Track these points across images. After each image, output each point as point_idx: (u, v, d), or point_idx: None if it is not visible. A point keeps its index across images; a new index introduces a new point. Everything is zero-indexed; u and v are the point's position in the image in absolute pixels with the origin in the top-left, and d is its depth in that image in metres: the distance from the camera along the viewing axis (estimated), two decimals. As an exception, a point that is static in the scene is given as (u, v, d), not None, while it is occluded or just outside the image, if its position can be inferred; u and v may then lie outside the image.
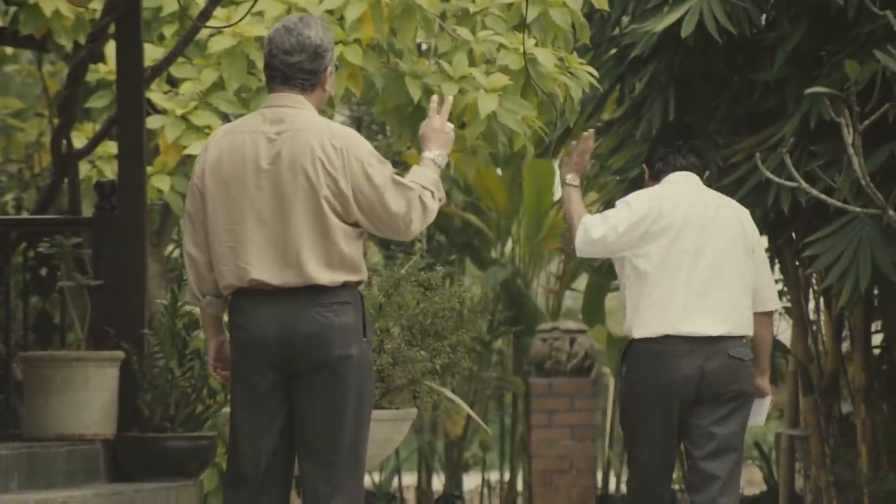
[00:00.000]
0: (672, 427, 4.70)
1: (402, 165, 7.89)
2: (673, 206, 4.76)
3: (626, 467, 10.41)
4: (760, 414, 4.94)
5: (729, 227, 4.79)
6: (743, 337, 4.78)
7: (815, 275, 6.88)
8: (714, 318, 4.69)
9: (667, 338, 4.68)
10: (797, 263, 6.96)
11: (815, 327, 7.33)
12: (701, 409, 4.69)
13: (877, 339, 7.05)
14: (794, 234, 6.54)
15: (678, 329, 4.67)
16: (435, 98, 3.94)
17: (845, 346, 7.20)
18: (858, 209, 5.56)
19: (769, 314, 4.89)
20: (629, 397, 4.74)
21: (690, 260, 4.72)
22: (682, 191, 4.84)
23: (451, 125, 3.90)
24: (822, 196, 5.27)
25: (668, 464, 4.77)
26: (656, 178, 4.90)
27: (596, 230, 4.75)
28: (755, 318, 4.83)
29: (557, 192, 10.19)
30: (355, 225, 3.74)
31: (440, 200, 3.80)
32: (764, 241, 7.40)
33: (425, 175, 3.80)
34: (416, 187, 3.75)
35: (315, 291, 3.68)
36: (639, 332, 4.71)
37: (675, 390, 4.66)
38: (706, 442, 4.71)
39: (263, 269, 3.68)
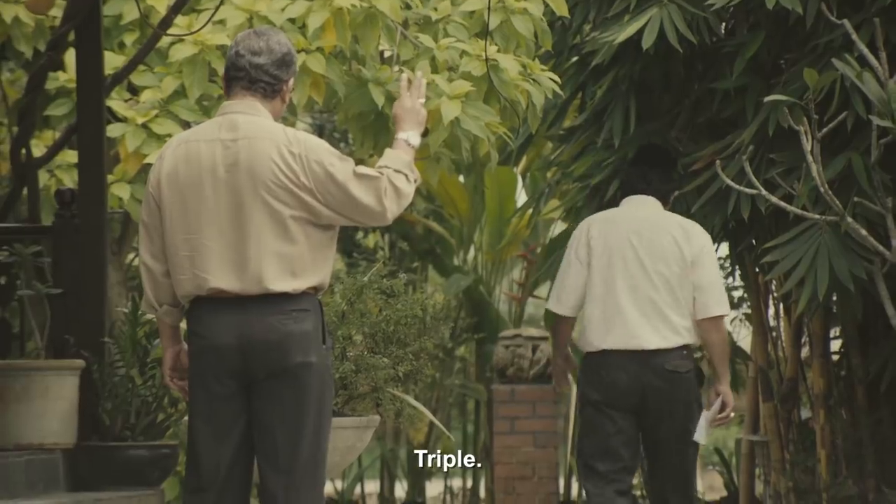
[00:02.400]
0: (618, 431, 5.06)
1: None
2: (604, 230, 5.14)
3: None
4: (700, 430, 5.11)
5: (661, 243, 5.11)
6: (683, 348, 5.07)
7: (774, 281, 6.93)
8: (648, 332, 5.01)
9: (605, 353, 5.05)
10: (757, 270, 7.01)
11: (774, 333, 7.38)
12: (646, 420, 5.05)
13: (835, 345, 7.11)
14: (753, 241, 6.59)
15: (613, 344, 5.03)
16: (405, 77, 3.92)
17: (804, 352, 7.25)
18: (817, 216, 5.60)
19: (713, 319, 5.11)
20: (581, 405, 5.17)
21: (623, 279, 5.06)
22: (623, 214, 5.21)
23: (423, 101, 3.88)
24: (782, 203, 5.31)
25: (616, 460, 5.07)
26: (621, 198, 5.30)
27: (552, 304, 5.25)
28: (700, 325, 5.10)
29: (520, 200, 10.23)
30: (329, 225, 3.73)
31: (416, 181, 3.78)
32: (724, 249, 7.47)
33: (397, 157, 3.78)
34: (384, 174, 3.72)
35: (275, 299, 3.67)
36: (584, 348, 5.13)
37: (617, 400, 5.03)
38: (653, 449, 5.08)
39: (222, 278, 3.67)
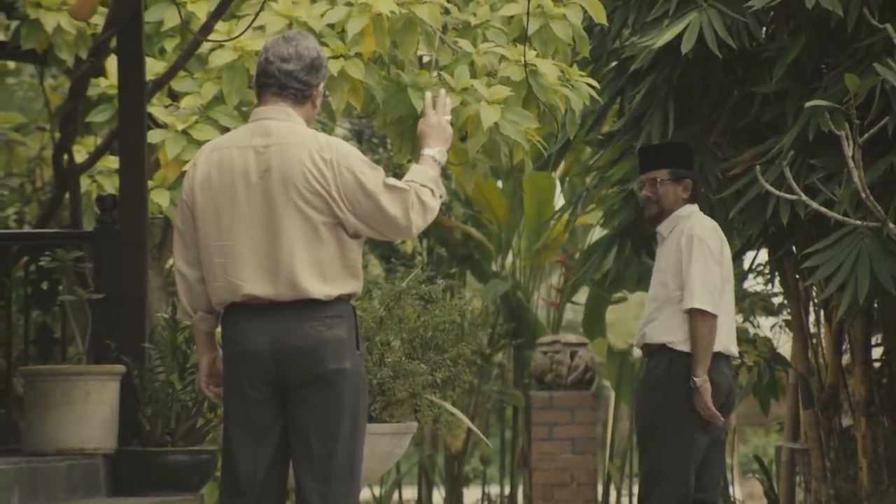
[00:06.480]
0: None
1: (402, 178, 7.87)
2: (723, 238, 5.25)
3: (626, 480, 10.42)
4: None
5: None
6: None
7: (815, 288, 6.88)
8: (734, 340, 5.19)
9: (719, 355, 5.10)
10: (797, 276, 6.96)
11: (815, 340, 7.33)
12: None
13: (877, 352, 7.04)
14: (793, 248, 6.55)
15: (729, 349, 5.14)
16: (429, 95, 3.93)
17: (846, 358, 7.19)
18: (858, 222, 5.56)
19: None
20: (686, 413, 5.06)
21: (728, 286, 5.18)
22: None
23: (450, 117, 3.90)
24: (822, 209, 5.27)
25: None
26: (696, 197, 5.28)
27: (706, 302, 5.07)
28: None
29: (558, 205, 10.21)
30: (354, 235, 3.74)
31: (441, 197, 3.78)
32: (763, 255, 7.43)
33: (424, 173, 3.78)
34: (412, 187, 3.73)
35: (308, 305, 3.67)
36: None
37: (719, 405, 5.09)
38: (710, 451, 5.15)
39: (256, 284, 3.67)
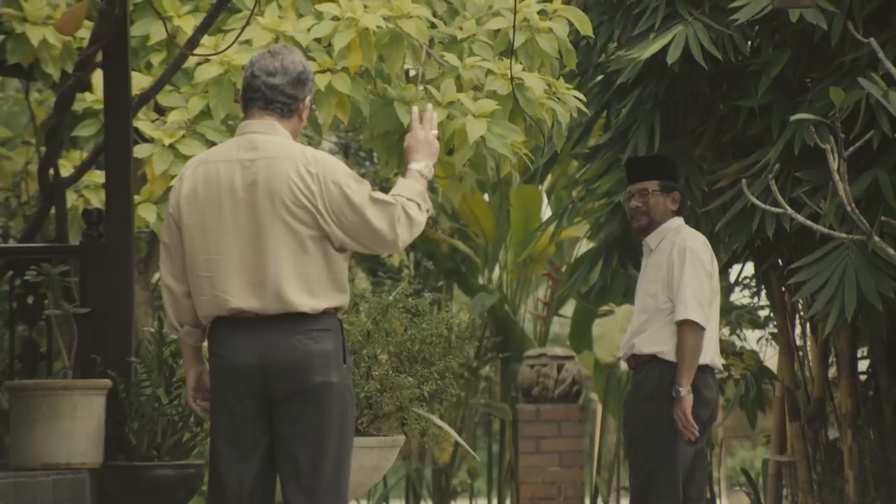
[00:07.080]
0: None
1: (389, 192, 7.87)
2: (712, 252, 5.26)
3: (613, 494, 10.43)
4: None
5: None
6: None
7: (801, 301, 6.90)
8: (718, 353, 5.19)
9: (706, 368, 5.10)
10: (783, 289, 6.98)
11: (801, 353, 7.34)
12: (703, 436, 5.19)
13: (863, 364, 7.06)
14: (779, 261, 6.57)
15: (715, 360, 5.13)
16: (415, 110, 3.94)
17: (832, 371, 7.21)
18: (844, 235, 5.58)
19: None
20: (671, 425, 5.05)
21: (716, 300, 5.15)
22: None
23: (436, 132, 3.91)
24: (808, 222, 5.29)
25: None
26: (683, 209, 5.26)
27: (698, 314, 5.04)
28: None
29: (544, 217, 10.23)
30: (340, 248, 3.74)
31: (427, 211, 3.79)
32: (749, 268, 7.46)
33: (410, 187, 3.79)
34: (398, 201, 3.74)
35: (294, 319, 3.67)
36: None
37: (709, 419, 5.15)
38: (694, 463, 5.16)
39: (242, 298, 3.68)
